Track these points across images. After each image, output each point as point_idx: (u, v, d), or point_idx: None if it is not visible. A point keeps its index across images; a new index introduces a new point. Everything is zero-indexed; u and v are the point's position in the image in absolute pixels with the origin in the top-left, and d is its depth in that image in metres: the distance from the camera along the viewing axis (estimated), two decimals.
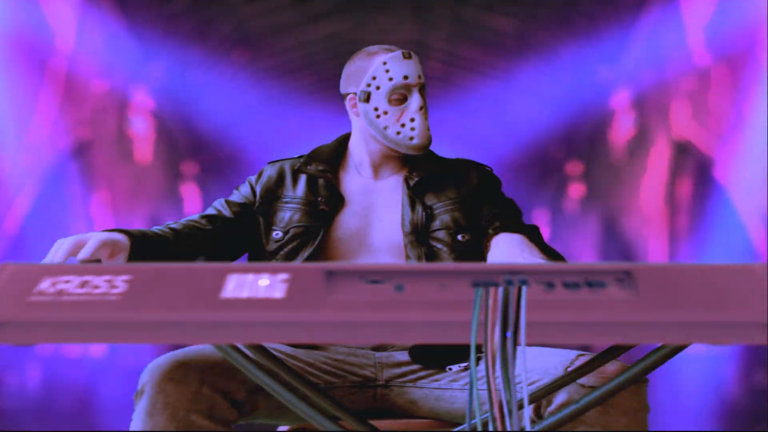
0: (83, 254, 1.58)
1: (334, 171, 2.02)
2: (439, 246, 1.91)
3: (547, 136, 7.01)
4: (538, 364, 1.67)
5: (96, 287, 1.00)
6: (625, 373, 1.37)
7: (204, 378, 1.62)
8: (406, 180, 2.00)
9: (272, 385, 1.35)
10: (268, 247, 1.94)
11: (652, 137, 6.94)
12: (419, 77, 1.95)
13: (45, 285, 1.01)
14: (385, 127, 1.95)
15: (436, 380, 1.82)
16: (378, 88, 1.95)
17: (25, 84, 5.87)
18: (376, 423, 1.50)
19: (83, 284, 1.01)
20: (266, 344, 1.72)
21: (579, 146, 7.29)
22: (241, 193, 2.04)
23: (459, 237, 1.92)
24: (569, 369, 1.63)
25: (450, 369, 1.82)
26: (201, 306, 0.98)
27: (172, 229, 1.89)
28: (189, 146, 7.16)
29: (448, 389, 1.81)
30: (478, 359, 1.75)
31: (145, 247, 1.74)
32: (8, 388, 5.58)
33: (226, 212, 1.98)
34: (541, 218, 7.02)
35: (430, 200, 1.96)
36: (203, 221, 1.95)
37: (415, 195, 1.97)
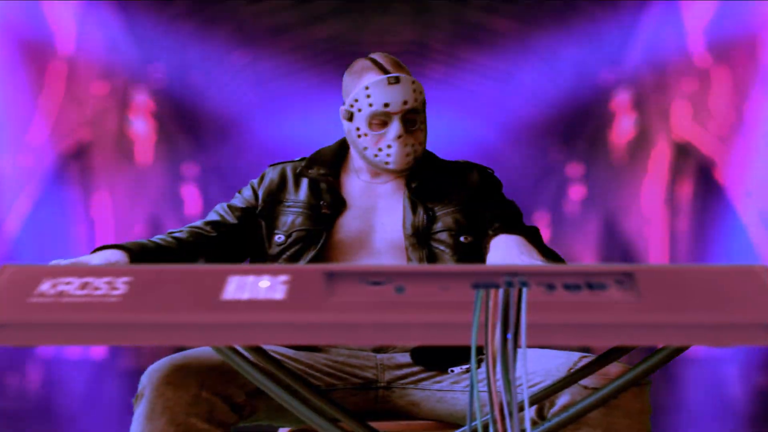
0: None
1: (335, 174, 2.02)
2: (441, 248, 1.91)
3: (548, 137, 7.00)
4: (541, 365, 1.67)
5: (96, 289, 1.00)
6: (628, 374, 1.36)
7: (203, 381, 1.61)
8: (408, 183, 2.00)
9: (272, 387, 1.34)
10: (271, 251, 1.95)
11: (652, 138, 6.93)
12: (404, 103, 1.93)
13: (45, 286, 1.01)
14: (365, 148, 1.96)
15: (438, 382, 1.82)
16: (360, 110, 1.95)
17: (25, 85, 5.87)
18: (377, 425, 1.50)
19: (84, 286, 1.01)
20: (267, 346, 1.72)
21: (579, 147, 7.28)
22: (243, 197, 2.04)
23: (461, 238, 1.92)
24: (572, 371, 1.63)
25: (452, 371, 1.82)
26: (201, 308, 0.98)
27: (175, 238, 1.89)
28: (189, 148, 7.15)
29: (449, 391, 1.81)
30: (480, 361, 1.75)
31: (145, 261, 1.74)
32: (9, 390, 5.58)
33: (230, 218, 1.99)
34: (541, 220, 7.01)
35: (431, 202, 1.97)
36: (207, 228, 1.95)
37: (416, 197, 1.97)
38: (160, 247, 1.83)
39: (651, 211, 6.99)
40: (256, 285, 1.01)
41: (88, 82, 6.44)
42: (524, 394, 0.94)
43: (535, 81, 6.25)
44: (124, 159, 7.06)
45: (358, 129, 1.96)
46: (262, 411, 1.72)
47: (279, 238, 1.95)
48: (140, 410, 1.60)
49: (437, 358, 1.83)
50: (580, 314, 0.98)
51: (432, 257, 1.90)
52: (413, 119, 1.94)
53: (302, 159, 2.07)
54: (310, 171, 2.02)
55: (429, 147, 2.15)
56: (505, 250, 1.70)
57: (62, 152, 6.18)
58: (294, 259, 1.91)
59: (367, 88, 1.95)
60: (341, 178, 2.04)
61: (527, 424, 0.96)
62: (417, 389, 1.83)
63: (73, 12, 6.16)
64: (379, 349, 1.88)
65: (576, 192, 7.28)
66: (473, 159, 2.16)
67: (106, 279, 1.02)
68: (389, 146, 1.93)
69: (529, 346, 0.96)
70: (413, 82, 1.95)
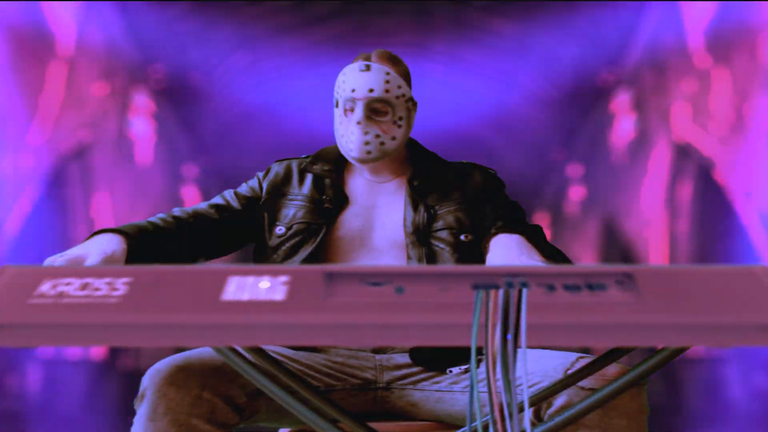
0: None
1: (339, 171, 2.04)
2: (441, 246, 1.91)
3: (548, 137, 6.99)
4: (538, 366, 1.67)
5: (96, 290, 1.00)
6: (625, 375, 1.36)
7: (205, 382, 1.62)
8: (409, 181, 2.00)
9: (272, 388, 1.35)
10: (270, 242, 1.96)
11: (652, 139, 6.93)
12: (370, 90, 1.93)
13: (45, 287, 1.01)
14: (341, 136, 1.98)
15: (437, 382, 1.82)
16: (337, 100, 1.98)
17: (26, 86, 5.87)
18: (376, 425, 1.50)
19: (84, 286, 1.01)
20: (266, 347, 1.72)
21: (579, 147, 7.27)
22: (249, 186, 2.06)
23: (462, 237, 1.93)
24: (569, 371, 1.63)
25: (450, 371, 1.82)
26: (202, 308, 0.98)
27: (175, 218, 1.90)
28: (189, 149, 7.14)
29: (448, 391, 1.81)
30: (479, 361, 1.75)
31: (143, 247, 1.75)
32: (9, 390, 5.58)
33: (235, 203, 2.01)
34: (541, 220, 7.01)
35: (432, 201, 1.97)
36: (211, 211, 1.97)
37: (417, 195, 1.98)
38: (158, 229, 1.84)
39: (651, 211, 6.99)
40: (256, 286, 1.01)
41: (88, 82, 6.43)
42: (524, 394, 0.94)
43: (535, 81, 6.25)
44: (124, 160, 7.05)
45: (338, 118, 1.98)
46: (263, 412, 1.72)
47: (279, 229, 1.96)
48: (142, 411, 1.60)
49: (436, 359, 1.83)
50: (580, 315, 0.99)
51: (432, 255, 1.90)
52: (380, 109, 1.95)
53: (308, 156, 2.09)
54: (314, 167, 2.03)
55: (430, 147, 2.15)
56: (505, 250, 1.70)
57: (62, 153, 6.18)
58: (293, 251, 1.92)
59: (344, 74, 1.96)
60: (345, 175, 2.05)
61: (527, 425, 0.96)
62: (416, 390, 1.83)
63: (73, 12, 6.16)
64: (378, 350, 1.88)
65: (576, 192, 7.27)
66: (473, 159, 2.17)
67: (106, 280, 1.02)
68: (352, 133, 1.95)
69: (529, 347, 0.96)
70: (387, 73, 1.96)
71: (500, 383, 0.97)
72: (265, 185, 2.04)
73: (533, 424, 1.56)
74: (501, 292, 0.97)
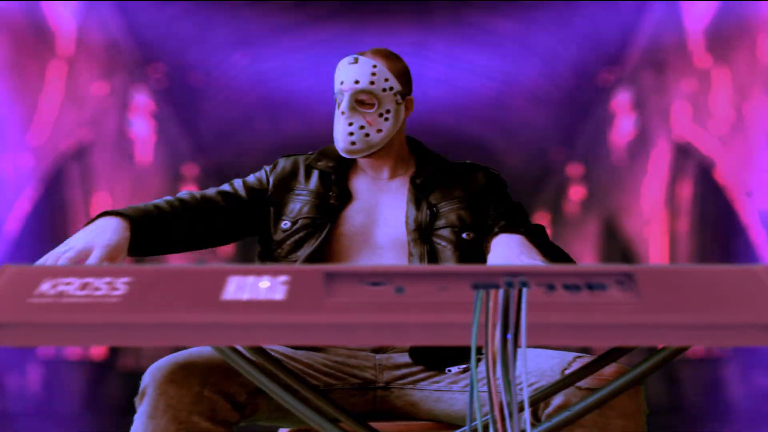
0: None
1: (342, 168, 2.04)
2: (443, 244, 1.92)
3: (548, 137, 6.99)
4: (536, 366, 1.67)
5: (97, 289, 1.00)
6: (623, 375, 1.36)
7: (205, 380, 1.62)
8: (413, 180, 2.01)
9: (272, 387, 1.35)
10: (276, 236, 1.96)
11: (652, 139, 6.93)
12: (356, 82, 1.95)
13: (45, 287, 1.01)
14: (334, 131, 1.99)
15: (436, 382, 1.82)
16: (335, 96, 2.00)
17: (26, 86, 5.87)
18: (375, 425, 1.50)
19: (84, 286, 1.01)
20: (266, 346, 1.72)
21: (579, 147, 7.25)
22: (257, 177, 2.06)
23: (464, 235, 1.93)
24: (566, 371, 1.63)
25: (449, 371, 1.82)
26: (201, 308, 0.98)
27: (181, 201, 1.90)
28: (189, 148, 7.12)
29: (447, 391, 1.81)
30: (479, 361, 1.75)
31: (146, 229, 1.76)
32: (9, 390, 5.58)
33: (242, 192, 2.01)
34: (541, 220, 7.00)
35: (435, 199, 1.98)
36: (218, 197, 1.97)
37: (420, 194, 1.98)
38: (162, 213, 1.84)
39: (651, 211, 6.99)
40: (256, 285, 1.01)
41: (88, 82, 6.43)
42: (524, 394, 0.94)
43: (535, 81, 6.24)
44: (124, 159, 7.04)
45: (335, 113, 2.00)
46: (263, 410, 1.72)
47: (285, 224, 1.97)
48: (143, 408, 1.60)
49: (436, 358, 1.83)
50: (580, 315, 0.99)
51: (433, 253, 1.90)
52: (366, 101, 1.96)
53: (313, 152, 2.10)
54: (319, 163, 2.04)
55: (430, 147, 2.15)
56: (506, 250, 1.70)
57: (62, 152, 6.18)
58: (298, 245, 1.93)
59: (336, 69, 1.99)
60: (349, 172, 2.06)
61: (527, 424, 0.96)
62: (415, 389, 1.83)
63: (73, 12, 6.16)
64: (377, 350, 1.88)
65: (576, 192, 7.25)
66: (473, 159, 2.17)
67: (106, 279, 1.02)
68: (338, 123, 1.97)
69: (528, 347, 0.95)
70: (374, 66, 1.97)
71: (500, 383, 0.97)
72: (272, 179, 2.04)
73: (532, 424, 1.56)
74: (501, 291, 0.97)
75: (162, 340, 0.98)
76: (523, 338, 0.95)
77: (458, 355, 1.83)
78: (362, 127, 1.95)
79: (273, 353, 1.78)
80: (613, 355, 1.47)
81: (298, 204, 1.99)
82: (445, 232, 1.93)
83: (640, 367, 1.32)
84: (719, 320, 1.00)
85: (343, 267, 1.05)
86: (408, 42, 5.58)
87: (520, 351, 0.95)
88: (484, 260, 1.79)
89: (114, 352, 6.64)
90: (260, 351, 1.43)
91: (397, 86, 1.99)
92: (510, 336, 0.95)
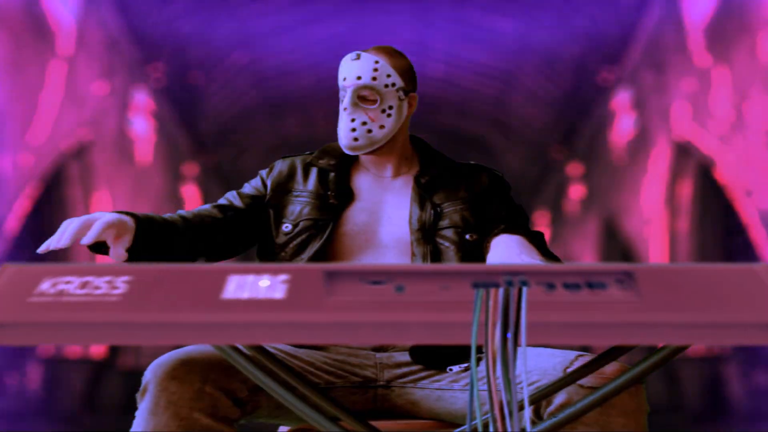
0: (88, 238, 1.60)
1: (344, 166, 2.03)
2: (446, 244, 1.92)
3: (548, 137, 6.99)
4: (537, 364, 1.67)
5: (96, 288, 1.00)
6: (625, 374, 1.36)
7: (207, 376, 1.62)
8: (417, 179, 2.00)
9: (272, 385, 1.35)
10: (278, 240, 1.96)
11: (652, 138, 6.93)
12: (357, 78, 1.95)
13: (45, 286, 1.01)
14: (337, 128, 1.99)
15: (437, 381, 1.82)
16: (339, 91, 2.00)
17: (26, 85, 5.87)
18: (376, 423, 1.50)
19: (84, 285, 1.01)
20: (267, 345, 1.72)
21: (579, 147, 7.25)
22: (252, 185, 2.06)
23: (467, 236, 1.93)
24: (568, 370, 1.63)
25: (450, 369, 1.82)
26: (202, 307, 0.98)
27: (182, 216, 1.90)
28: (189, 148, 7.12)
29: (448, 390, 1.81)
30: (479, 360, 1.75)
31: (151, 231, 1.75)
32: (9, 389, 5.58)
33: (238, 203, 2.00)
34: (541, 219, 6.99)
35: (439, 199, 1.97)
36: (215, 211, 1.96)
37: (424, 193, 1.98)
38: (165, 222, 1.84)
39: (651, 210, 6.99)
40: (256, 284, 1.01)
41: (88, 81, 6.43)
42: (524, 393, 0.95)
43: (535, 81, 6.25)
44: (125, 159, 7.04)
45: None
46: (264, 407, 1.72)
47: (286, 227, 1.96)
48: (144, 405, 1.61)
49: (436, 357, 1.83)
50: (580, 313, 0.99)
51: (436, 253, 1.90)
52: (368, 97, 1.96)
53: (312, 152, 2.09)
54: (320, 161, 2.03)
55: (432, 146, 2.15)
56: (506, 249, 1.70)
57: (62, 152, 6.18)
58: (301, 248, 1.92)
59: (340, 66, 1.99)
60: (351, 170, 2.05)
61: (527, 423, 0.96)
62: (416, 388, 1.83)
63: (73, 12, 6.15)
64: (378, 348, 1.88)
65: (576, 191, 7.25)
66: (473, 158, 2.17)
67: (106, 278, 1.02)
68: (341, 120, 1.97)
69: (529, 346, 0.95)
70: (377, 62, 1.97)
71: (500, 381, 0.97)
72: (269, 182, 2.03)
73: (533, 423, 1.56)
74: (501, 290, 0.97)
75: (162, 339, 0.99)
76: (523, 337, 0.95)
77: (459, 354, 1.83)
78: (364, 123, 1.95)
79: (274, 351, 1.78)
80: (613, 353, 1.47)
81: (299, 206, 1.98)
82: (449, 233, 1.93)
83: (641, 365, 1.32)
84: (719, 319, 1.00)
85: (344, 266, 1.06)
86: (408, 41, 5.57)
87: (520, 350, 0.95)
88: (484, 261, 1.79)
89: (114, 351, 6.64)
90: (260, 349, 1.43)
91: (399, 82, 1.99)
92: (510, 335, 0.96)
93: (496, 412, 0.96)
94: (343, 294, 0.99)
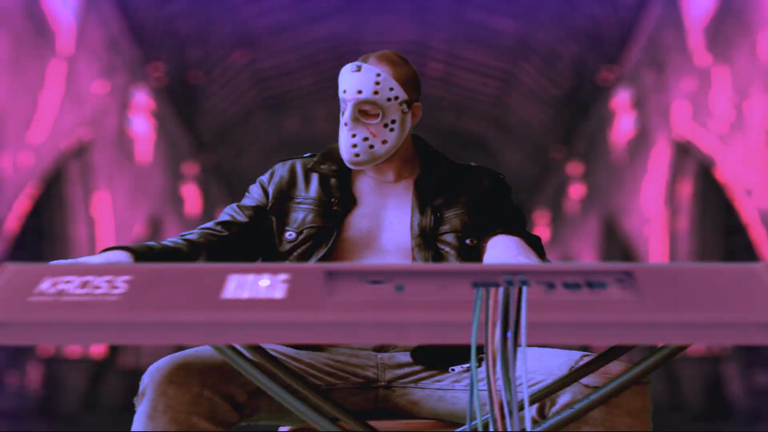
0: None
1: (346, 171, 2.01)
2: (447, 249, 1.91)
3: (548, 137, 6.99)
4: (542, 364, 1.67)
5: (96, 288, 1.00)
6: (629, 373, 1.36)
7: (205, 380, 1.62)
8: (417, 183, 1.99)
9: (272, 387, 1.35)
10: (281, 248, 1.94)
11: (652, 138, 6.93)
12: (358, 91, 1.89)
13: (45, 285, 1.01)
14: (339, 138, 1.95)
15: (439, 381, 1.82)
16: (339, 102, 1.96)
17: (26, 84, 5.87)
18: (377, 424, 1.50)
19: (84, 285, 1.01)
20: (267, 345, 1.72)
21: (579, 147, 7.24)
22: (253, 196, 2.03)
23: (467, 241, 1.92)
24: (573, 369, 1.63)
25: (452, 369, 1.82)
26: (202, 306, 0.98)
27: (186, 239, 1.88)
28: (189, 148, 7.11)
29: (450, 390, 1.81)
30: (481, 360, 1.75)
31: (150, 259, 1.74)
32: (9, 389, 5.57)
33: (240, 217, 1.97)
34: (541, 218, 7.00)
35: (440, 204, 1.96)
36: (218, 228, 1.94)
37: (425, 198, 1.96)
38: (166, 249, 1.82)
39: (651, 209, 6.98)
40: (256, 284, 1.01)
41: (88, 81, 6.43)
42: (524, 392, 0.94)
43: (535, 81, 6.25)
44: (125, 158, 7.04)
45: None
46: (263, 410, 1.72)
47: (290, 235, 1.94)
48: (142, 409, 1.60)
49: (438, 357, 1.83)
50: (580, 313, 0.99)
51: (438, 259, 1.89)
52: (369, 111, 1.91)
53: (313, 155, 2.06)
54: (322, 167, 2.01)
55: (432, 145, 2.14)
56: (503, 249, 1.69)
57: (63, 151, 6.17)
58: (305, 256, 1.91)
59: (340, 75, 1.95)
60: (352, 175, 2.03)
61: (527, 423, 0.96)
62: (417, 388, 1.83)
63: (74, 11, 6.15)
64: (379, 348, 1.88)
65: (576, 190, 7.25)
66: (473, 158, 2.16)
67: (106, 278, 1.02)
68: (342, 134, 1.93)
69: (528, 345, 0.95)
70: (378, 75, 1.91)
71: (500, 381, 0.97)
72: (270, 189, 2.01)
73: (537, 422, 1.56)
74: (501, 290, 0.97)
75: (162, 339, 0.98)
76: (523, 337, 0.95)
77: (461, 354, 1.83)
78: (366, 139, 1.91)
79: (275, 353, 1.78)
80: (615, 353, 1.47)
81: (301, 213, 1.96)
82: (449, 238, 1.92)
83: (643, 364, 1.32)
84: (719, 319, 1.00)
85: (344, 265, 1.05)
86: (407, 40, 5.57)
87: (520, 349, 0.95)
88: (481, 262, 1.79)
89: (114, 350, 6.64)
90: (260, 351, 1.43)
91: (402, 95, 1.94)
92: (510, 334, 0.96)
93: (496, 412, 0.96)
94: (343, 294, 0.99)
